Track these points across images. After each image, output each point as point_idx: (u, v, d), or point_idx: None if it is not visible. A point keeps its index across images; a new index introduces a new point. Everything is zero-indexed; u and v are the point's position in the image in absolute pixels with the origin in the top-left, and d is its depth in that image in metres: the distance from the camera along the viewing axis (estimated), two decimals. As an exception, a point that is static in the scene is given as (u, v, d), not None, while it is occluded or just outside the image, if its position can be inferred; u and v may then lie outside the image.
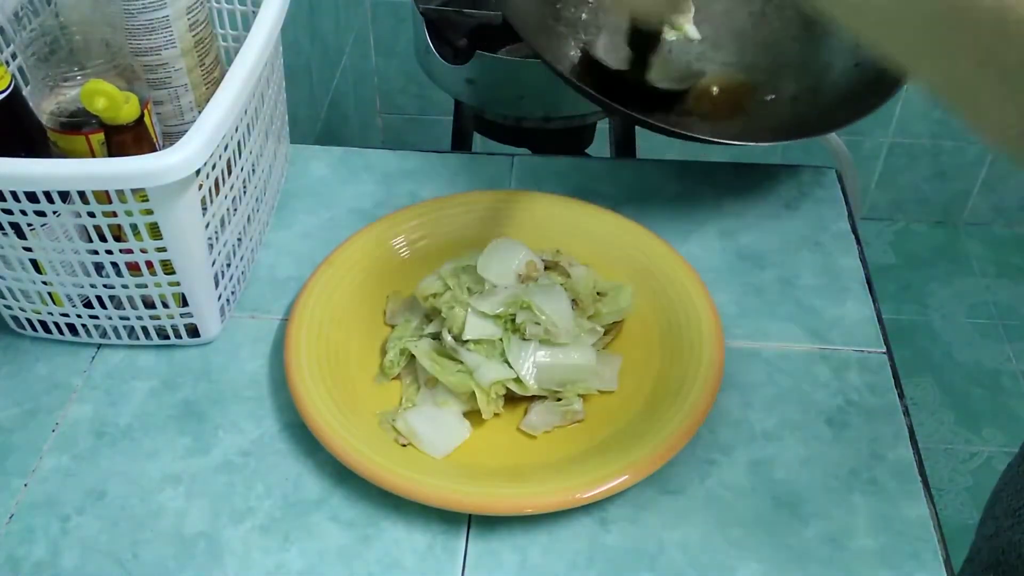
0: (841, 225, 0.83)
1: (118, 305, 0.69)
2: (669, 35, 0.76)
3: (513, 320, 0.66)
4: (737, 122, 0.86)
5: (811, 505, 0.62)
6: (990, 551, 0.72)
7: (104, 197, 0.61)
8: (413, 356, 0.68)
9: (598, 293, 0.72)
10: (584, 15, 0.92)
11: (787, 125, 0.83)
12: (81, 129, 0.66)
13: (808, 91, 0.85)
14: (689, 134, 0.75)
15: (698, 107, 0.87)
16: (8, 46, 0.71)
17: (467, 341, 0.66)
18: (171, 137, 0.74)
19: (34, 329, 0.72)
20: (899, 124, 1.86)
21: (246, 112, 0.69)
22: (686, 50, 0.90)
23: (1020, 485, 0.71)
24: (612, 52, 0.85)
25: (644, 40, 0.80)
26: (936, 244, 2.02)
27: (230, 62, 0.66)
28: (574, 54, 0.89)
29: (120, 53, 0.68)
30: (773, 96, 0.87)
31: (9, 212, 0.62)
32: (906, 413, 0.68)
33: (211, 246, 0.67)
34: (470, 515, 0.62)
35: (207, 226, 0.66)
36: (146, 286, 0.67)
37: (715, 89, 0.88)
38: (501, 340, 0.65)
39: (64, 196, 0.61)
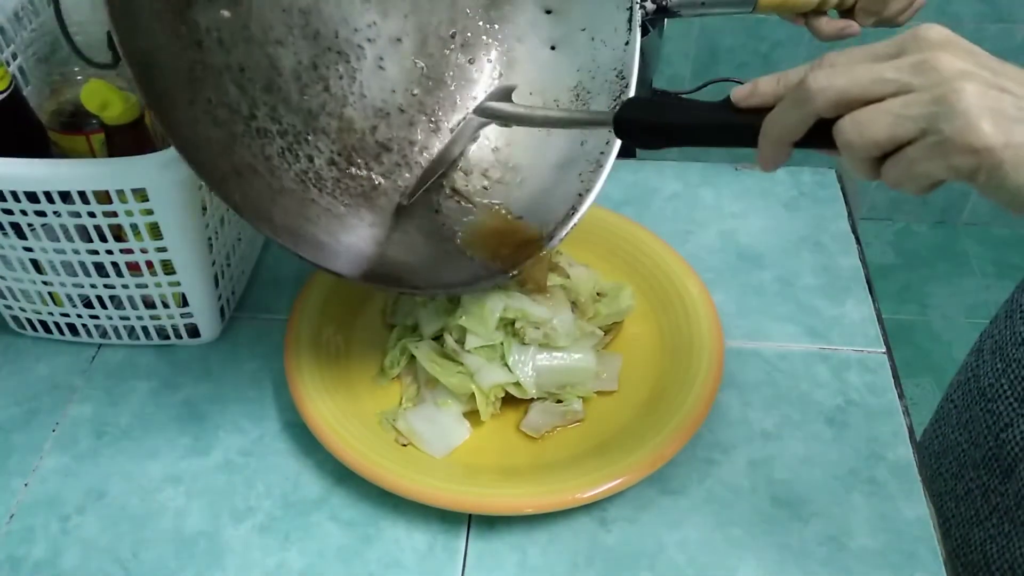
0: (841, 225, 0.83)
1: (118, 305, 0.69)
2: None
3: (513, 324, 0.66)
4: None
5: (811, 505, 0.62)
6: (977, 377, 0.78)
7: (104, 197, 0.61)
8: (413, 356, 0.68)
9: (598, 293, 0.72)
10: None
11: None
12: (81, 129, 0.66)
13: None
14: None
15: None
16: (8, 46, 0.71)
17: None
18: (171, 137, 0.73)
19: (34, 329, 0.72)
20: (899, 124, 1.86)
21: (246, 112, 0.69)
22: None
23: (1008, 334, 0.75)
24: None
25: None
26: (936, 244, 2.02)
27: (230, 62, 0.66)
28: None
29: (120, 53, 0.68)
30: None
31: (9, 212, 0.62)
32: (906, 413, 0.68)
33: (211, 246, 0.67)
34: (470, 515, 0.62)
35: (207, 226, 0.66)
36: (146, 286, 0.67)
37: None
38: (502, 344, 0.65)
39: (64, 196, 0.61)
